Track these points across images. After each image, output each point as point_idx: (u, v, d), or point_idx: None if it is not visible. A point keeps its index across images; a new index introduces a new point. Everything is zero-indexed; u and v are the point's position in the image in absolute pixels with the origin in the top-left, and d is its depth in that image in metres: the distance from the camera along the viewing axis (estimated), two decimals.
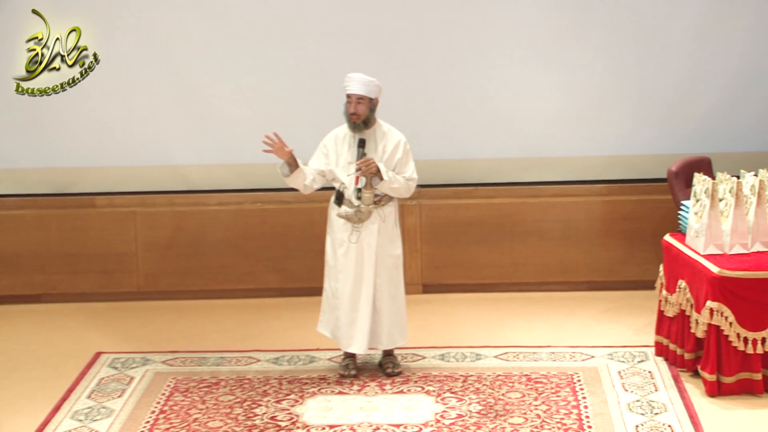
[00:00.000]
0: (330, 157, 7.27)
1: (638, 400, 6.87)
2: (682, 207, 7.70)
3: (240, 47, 8.87)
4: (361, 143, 7.19)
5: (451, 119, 8.97)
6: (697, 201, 7.26)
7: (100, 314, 8.79)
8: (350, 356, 7.44)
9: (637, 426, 6.53)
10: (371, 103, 7.21)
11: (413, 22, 8.85)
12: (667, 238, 7.58)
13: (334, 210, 7.29)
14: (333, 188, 7.35)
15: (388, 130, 7.30)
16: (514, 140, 9.01)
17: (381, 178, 7.14)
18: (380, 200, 7.24)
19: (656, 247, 8.48)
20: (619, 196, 9.02)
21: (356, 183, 7.17)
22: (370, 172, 7.13)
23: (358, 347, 7.31)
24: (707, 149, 8.82)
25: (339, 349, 7.49)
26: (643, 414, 6.69)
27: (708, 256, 7.07)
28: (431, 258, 9.08)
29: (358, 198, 7.19)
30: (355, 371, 7.37)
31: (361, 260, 7.25)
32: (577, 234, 9.04)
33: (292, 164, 7.17)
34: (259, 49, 8.88)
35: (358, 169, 7.14)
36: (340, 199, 7.25)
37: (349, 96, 7.19)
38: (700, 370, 7.04)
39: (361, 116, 7.17)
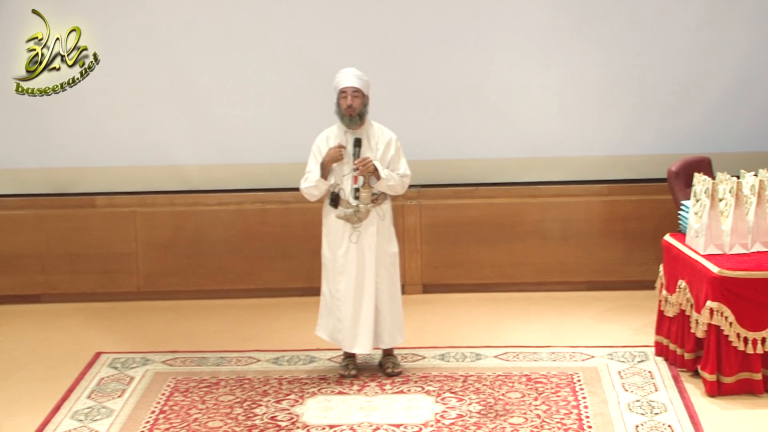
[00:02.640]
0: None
1: (638, 400, 6.87)
2: (682, 207, 7.70)
3: (240, 47, 8.87)
4: (357, 143, 7.18)
5: (450, 119, 8.97)
6: (697, 201, 7.26)
7: (100, 314, 8.79)
8: (350, 356, 7.43)
9: (637, 426, 6.53)
10: (364, 99, 7.20)
11: (413, 22, 8.84)
12: (667, 238, 7.57)
13: (330, 212, 7.27)
14: None
15: (378, 128, 7.29)
16: (514, 140, 9.00)
17: (378, 177, 7.14)
18: (377, 198, 7.24)
19: (656, 247, 8.47)
20: (619, 196, 9.02)
21: (354, 182, 7.17)
22: (368, 171, 7.13)
23: (363, 347, 7.29)
24: (707, 149, 8.81)
25: (339, 349, 7.49)
26: (643, 414, 6.69)
27: (708, 256, 7.06)
28: (431, 258, 9.07)
29: (356, 198, 7.18)
30: (355, 371, 7.37)
31: (362, 260, 7.23)
32: (577, 234, 9.03)
33: (326, 170, 7.18)
34: (259, 49, 8.88)
35: (355, 169, 7.14)
36: (335, 200, 7.24)
37: (343, 90, 7.16)
38: (700, 370, 7.03)
39: (357, 110, 7.15)
